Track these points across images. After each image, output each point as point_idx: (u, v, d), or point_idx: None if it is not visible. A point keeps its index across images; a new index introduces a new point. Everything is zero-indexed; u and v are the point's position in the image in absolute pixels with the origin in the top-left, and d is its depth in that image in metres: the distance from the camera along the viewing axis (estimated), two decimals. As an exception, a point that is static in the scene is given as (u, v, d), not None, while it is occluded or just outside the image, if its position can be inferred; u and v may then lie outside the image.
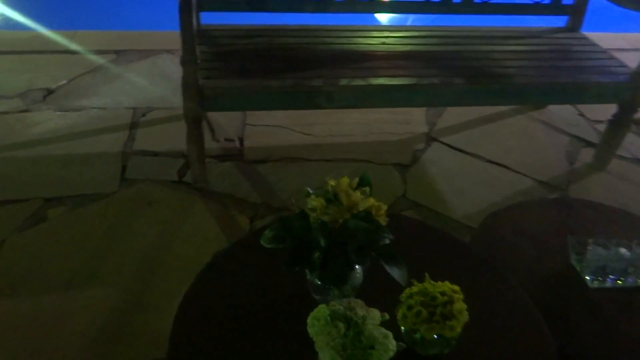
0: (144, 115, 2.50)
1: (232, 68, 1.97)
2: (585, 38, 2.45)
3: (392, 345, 0.74)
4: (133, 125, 2.41)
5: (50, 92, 2.61)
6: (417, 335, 0.86)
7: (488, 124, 2.65)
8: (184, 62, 1.75)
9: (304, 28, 2.29)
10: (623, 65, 2.23)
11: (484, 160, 2.38)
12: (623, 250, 1.29)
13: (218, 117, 2.51)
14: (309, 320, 0.75)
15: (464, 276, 1.14)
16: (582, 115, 2.80)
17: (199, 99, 1.82)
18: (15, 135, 2.29)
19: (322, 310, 0.75)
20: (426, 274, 0.89)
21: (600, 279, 1.29)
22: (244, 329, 0.93)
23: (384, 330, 0.75)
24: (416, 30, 2.37)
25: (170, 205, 1.99)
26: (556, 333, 1.18)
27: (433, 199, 2.13)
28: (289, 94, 1.90)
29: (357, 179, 0.94)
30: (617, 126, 2.27)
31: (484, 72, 2.08)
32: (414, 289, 0.87)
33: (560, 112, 2.79)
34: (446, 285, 0.87)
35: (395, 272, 0.83)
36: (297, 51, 2.12)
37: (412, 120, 2.63)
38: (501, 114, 2.74)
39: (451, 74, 2.03)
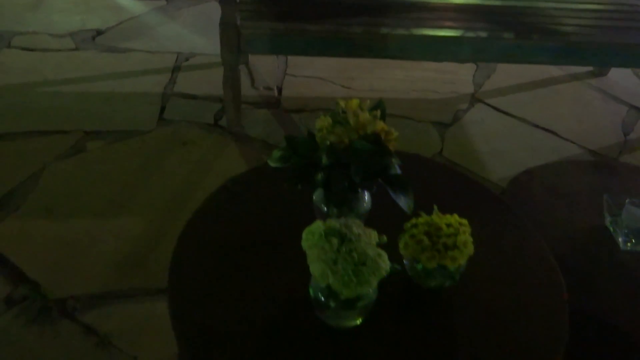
0: (187, 60, 2.51)
1: (273, 10, 1.94)
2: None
3: (385, 264, 0.71)
4: (175, 69, 2.44)
5: (99, 33, 2.67)
6: (419, 266, 0.83)
7: (539, 89, 2.51)
8: (222, 1, 1.73)
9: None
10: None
11: (530, 125, 2.27)
12: (663, 213, 1.20)
13: (259, 66, 2.49)
14: (304, 234, 0.74)
15: (478, 215, 1.09)
16: (645, 85, 2.61)
17: (237, 40, 1.81)
18: (64, 72, 2.36)
19: (318, 225, 0.74)
20: (435, 207, 0.86)
21: (634, 241, 1.20)
22: (244, 255, 0.93)
23: (379, 250, 0.73)
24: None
25: (204, 146, 2.01)
26: (579, 291, 1.12)
27: (470, 158, 2.05)
28: (328, 39, 1.85)
29: (368, 101, 0.90)
30: (681, 95, 2.10)
31: (537, 28, 1.96)
32: (420, 219, 0.83)
33: (621, 81, 2.60)
34: (454, 218, 0.83)
35: (401, 200, 0.80)
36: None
37: (457, 80, 2.52)
38: (555, 79, 2.59)
39: (501, 28, 1.92)
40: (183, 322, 0.84)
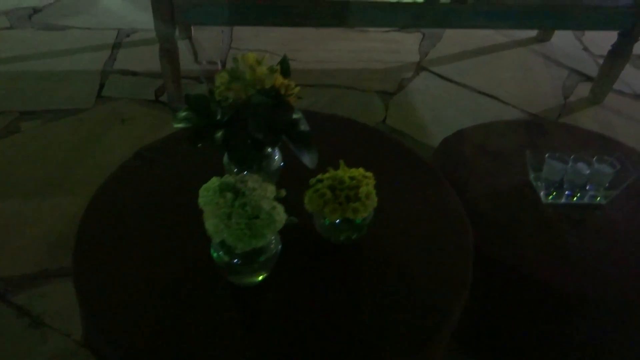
0: (128, 36, 2.45)
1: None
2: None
3: (280, 217, 0.72)
4: (116, 46, 2.38)
5: (36, 11, 2.58)
6: (326, 221, 0.84)
7: (483, 55, 2.54)
8: (150, -31, 1.68)
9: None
10: (628, -9, 2.08)
11: (473, 91, 2.30)
12: (581, 166, 1.24)
13: (203, 41, 2.45)
14: (200, 192, 0.73)
15: (397, 173, 1.11)
16: (586, 49, 2.66)
17: (170, 10, 1.77)
18: (-3, 52, 2.28)
19: (213, 181, 0.73)
20: (341, 161, 0.86)
21: (555, 194, 1.24)
22: (151, 220, 0.92)
23: (274, 203, 0.73)
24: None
25: (144, 122, 1.97)
26: (500, 243, 1.15)
27: (413, 126, 2.07)
28: (264, 7, 1.82)
29: (267, 56, 0.89)
30: (616, 57, 2.14)
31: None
32: (326, 175, 0.84)
33: (563, 46, 2.65)
34: (358, 171, 0.83)
35: (305, 156, 0.80)
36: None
37: (404, 49, 2.53)
38: (499, 45, 2.62)
39: (436, -7, 1.93)
40: (84, 286, 0.83)
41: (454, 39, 2.61)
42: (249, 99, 0.78)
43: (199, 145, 0.79)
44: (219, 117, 0.77)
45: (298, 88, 0.86)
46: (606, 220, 1.22)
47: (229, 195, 0.70)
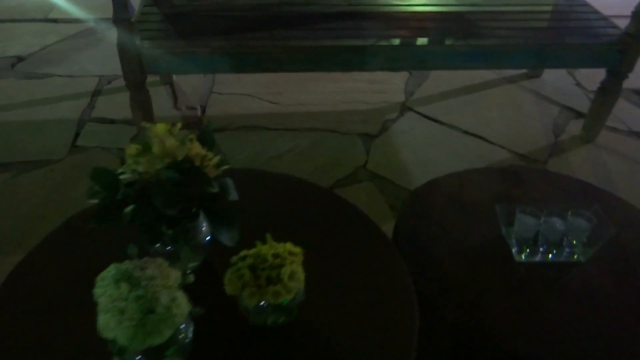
0: (109, 82, 2.43)
1: (181, 28, 1.87)
2: (582, 1, 2.23)
3: (180, 310, 0.64)
4: (96, 93, 2.36)
5: (20, 59, 2.58)
6: (249, 304, 0.76)
7: (471, 94, 2.48)
8: (116, 21, 1.66)
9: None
10: (614, 27, 2.02)
11: (459, 131, 2.22)
12: (555, 220, 1.15)
13: (185, 85, 2.42)
14: (96, 280, 0.66)
15: (338, 238, 1.02)
16: (578, 84, 2.59)
17: (138, 62, 1.74)
18: (-24, 102, 2.27)
19: (110, 269, 0.66)
20: (268, 235, 0.78)
21: (529, 251, 1.14)
22: (67, 301, 0.84)
23: (177, 293, 0.65)
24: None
25: (116, 172, 1.92)
26: (466, 308, 1.05)
27: (395, 170, 2.00)
28: (233, 55, 1.79)
29: (180, 124, 0.82)
30: (605, 94, 2.07)
31: (451, 32, 1.91)
32: (251, 251, 0.76)
33: (554, 82, 2.58)
34: (285, 247, 0.76)
35: (223, 234, 0.73)
36: (256, 12, 2.00)
37: (389, 89, 2.48)
38: (488, 83, 2.55)
39: (412, 35, 1.88)
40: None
41: (441, 77, 2.56)
42: (156, 174, 0.71)
43: (104, 225, 0.72)
44: (121, 193, 0.71)
45: (217, 158, 0.79)
46: (584, 281, 1.12)
47: (124, 286, 0.63)
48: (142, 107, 1.87)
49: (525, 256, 1.14)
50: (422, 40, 1.85)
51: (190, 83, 2.44)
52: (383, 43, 1.84)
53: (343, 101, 2.38)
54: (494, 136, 2.20)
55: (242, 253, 0.76)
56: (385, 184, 1.92)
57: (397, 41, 1.84)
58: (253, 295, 0.72)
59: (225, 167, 0.79)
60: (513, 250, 1.15)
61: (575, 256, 1.15)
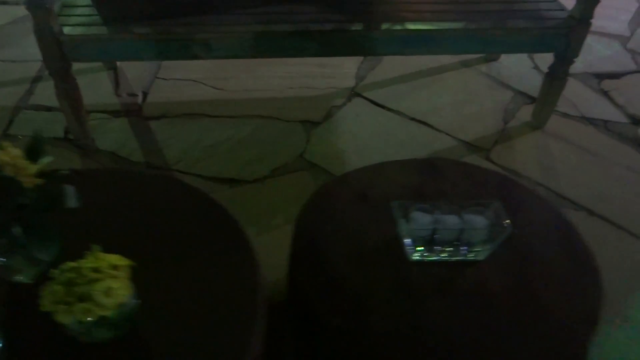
0: (51, 68, 2.37)
1: (109, 14, 1.80)
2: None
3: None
4: (36, 79, 2.30)
5: (-37, 44, 2.52)
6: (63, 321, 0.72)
7: (424, 78, 2.41)
8: (29, 7, 1.59)
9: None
10: (562, 10, 1.94)
11: (406, 118, 2.17)
12: (451, 218, 1.10)
13: (129, 70, 2.36)
14: None
15: (190, 240, 0.98)
16: (537, 67, 2.52)
17: (58, 49, 1.68)
18: None
19: None
20: (94, 246, 0.74)
21: (424, 250, 1.10)
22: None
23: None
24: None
25: (45, 162, 1.88)
26: (352, 314, 1.02)
27: (332, 158, 1.95)
28: (157, 42, 1.72)
29: None
30: (553, 79, 2.00)
31: (389, 17, 1.85)
32: (70, 264, 0.72)
33: (512, 65, 2.51)
34: (109, 259, 0.72)
35: (36, 249, 0.69)
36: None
37: (339, 74, 2.41)
38: (444, 67, 2.49)
39: (348, 19, 1.81)
40: None
41: (395, 61, 2.49)
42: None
43: None
44: None
45: (35, 167, 0.74)
46: (478, 281, 1.08)
47: None
48: (68, 95, 1.81)
49: (420, 255, 1.11)
50: (356, 25, 1.79)
51: (137, 68, 2.37)
52: (316, 28, 1.77)
53: (291, 86, 2.32)
54: (441, 123, 2.14)
55: (65, 266, 0.72)
56: (320, 173, 1.88)
57: (330, 26, 1.78)
58: (65, 313, 0.68)
59: (52, 176, 0.74)
60: (407, 249, 1.11)
61: (473, 255, 1.11)
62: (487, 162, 1.96)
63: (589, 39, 2.81)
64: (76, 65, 2.34)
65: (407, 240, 1.11)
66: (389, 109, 2.21)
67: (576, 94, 2.34)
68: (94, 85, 2.27)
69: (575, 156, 2.01)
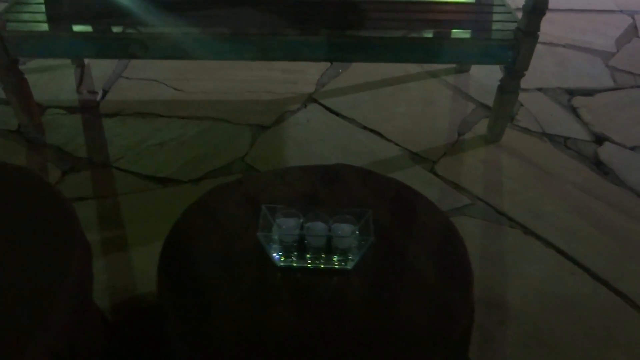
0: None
1: (55, 13, 1.85)
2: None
3: None
4: None
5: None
6: None
7: (387, 87, 2.39)
8: (-30, 1, 1.65)
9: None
10: (515, 21, 1.89)
11: (358, 126, 2.14)
12: (318, 225, 1.08)
13: (96, 68, 2.41)
14: None
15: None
16: (506, 81, 2.45)
17: (1, 44, 1.73)
18: None
19: None
20: None
21: (289, 257, 1.08)
22: None
23: None
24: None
25: (-8, 154, 1.94)
26: (198, 313, 1.00)
27: (273, 164, 1.94)
28: (97, 40, 1.76)
29: None
30: (503, 93, 1.95)
31: (331, 23, 1.84)
32: None
33: (482, 77, 2.46)
34: None
35: None
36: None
37: (301, 79, 2.41)
38: (410, 77, 2.45)
39: (287, 24, 1.81)
40: None
41: (360, 69, 2.47)
42: None
43: None
44: None
45: None
46: (341, 290, 1.06)
47: None
48: (15, 90, 1.87)
49: (287, 261, 1.09)
50: (294, 31, 1.78)
51: (104, 67, 2.42)
52: (253, 32, 1.78)
53: (250, 90, 2.33)
54: (392, 132, 2.11)
55: None
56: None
57: (268, 30, 1.78)
58: None
59: None
60: (273, 256, 1.09)
61: (340, 264, 1.08)
62: (430, 173, 1.92)
63: (569, 54, 2.76)
64: (45, 61, 2.44)
65: (273, 246, 1.09)
66: (343, 117, 2.19)
67: (542, 109, 2.27)
68: (59, 81, 2.33)
69: (524, 172, 1.95)
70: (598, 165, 1.98)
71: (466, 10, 1.97)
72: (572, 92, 2.40)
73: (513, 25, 1.85)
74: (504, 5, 1.99)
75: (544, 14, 1.72)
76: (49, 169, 1.88)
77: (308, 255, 1.09)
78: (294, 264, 1.08)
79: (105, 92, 2.28)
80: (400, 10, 1.92)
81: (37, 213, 1.06)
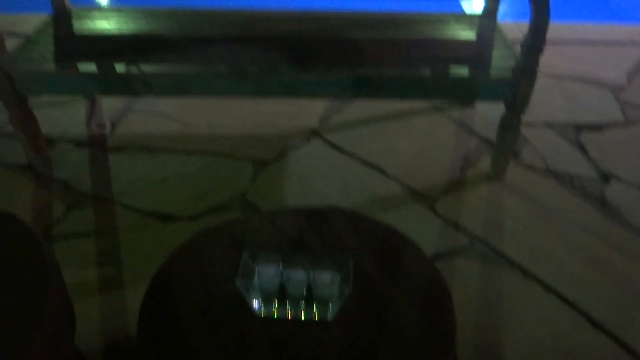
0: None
1: (65, 52, 1.92)
2: (492, 27, 2.10)
3: None
4: (19, 108, 2.44)
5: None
6: None
7: (391, 122, 2.39)
8: (-19, 43, 1.72)
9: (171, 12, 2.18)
10: (514, 58, 1.89)
11: (359, 162, 2.14)
12: (298, 272, 1.08)
13: (105, 101, 2.47)
14: None
15: None
16: (512, 116, 2.43)
17: (10, 83, 1.79)
18: None
19: None
20: None
21: (269, 306, 1.08)
22: None
23: None
24: (285, 14, 2.16)
25: (-1, 188, 1.99)
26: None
27: (272, 201, 1.95)
28: (101, 79, 1.81)
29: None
30: (505, 130, 1.94)
31: (330, 60, 1.86)
32: None
33: (487, 112, 2.44)
34: None
35: None
36: (148, 36, 2.02)
37: (306, 113, 2.43)
38: (414, 111, 2.45)
39: (286, 62, 1.84)
40: None
41: (365, 103, 2.48)
42: None
43: None
44: None
45: None
46: (320, 341, 1.04)
47: None
48: (24, 126, 1.92)
49: (267, 311, 1.08)
50: (290, 68, 1.81)
51: (114, 100, 2.48)
52: (252, 69, 1.80)
53: (254, 124, 2.36)
54: (394, 168, 2.11)
55: None
56: (254, 214, 1.88)
57: (266, 67, 1.81)
58: None
59: None
60: (253, 304, 1.08)
61: (320, 313, 1.07)
62: (429, 212, 1.90)
63: (579, 87, 2.73)
64: (58, 97, 2.51)
65: (254, 293, 1.09)
66: (345, 152, 2.19)
67: (548, 145, 2.24)
68: (70, 115, 2.39)
69: (526, 211, 1.91)
70: (604, 205, 1.94)
71: (465, 47, 1.97)
72: (580, 127, 2.37)
73: (513, 62, 1.84)
74: (504, 41, 1.99)
75: (541, 51, 1.71)
76: (54, 204, 1.92)
77: (288, 304, 1.08)
78: (274, 314, 1.07)
79: (113, 126, 2.33)
80: (400, 47, 1.93)
81: (13, 263, 1.07)
